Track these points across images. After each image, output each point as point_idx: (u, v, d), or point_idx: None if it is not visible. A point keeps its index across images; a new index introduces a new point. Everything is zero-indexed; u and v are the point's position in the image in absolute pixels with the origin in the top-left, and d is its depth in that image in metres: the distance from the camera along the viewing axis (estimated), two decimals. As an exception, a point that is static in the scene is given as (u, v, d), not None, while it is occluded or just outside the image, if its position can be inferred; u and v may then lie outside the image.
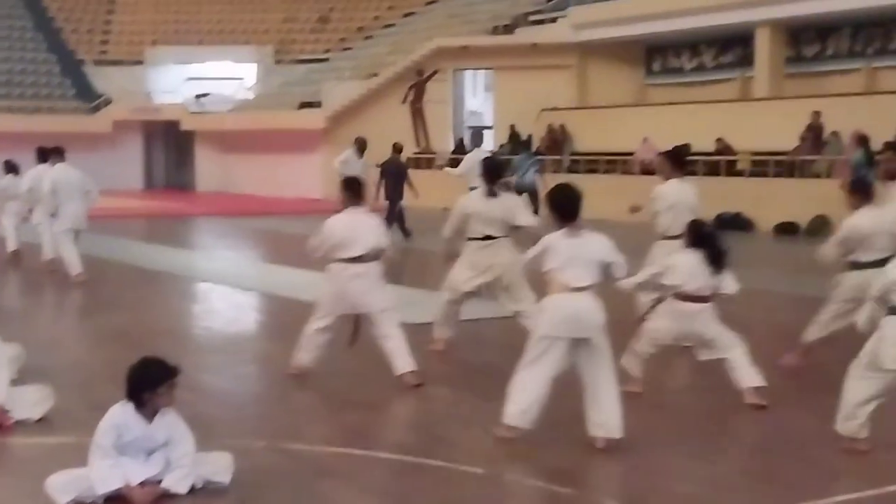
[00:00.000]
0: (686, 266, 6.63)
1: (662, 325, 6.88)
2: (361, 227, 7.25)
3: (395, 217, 18.07)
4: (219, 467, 5.17)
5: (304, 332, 7.51)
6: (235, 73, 37.99)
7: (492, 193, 7.94)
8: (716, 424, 6.64)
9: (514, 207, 8.20)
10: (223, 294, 12.44)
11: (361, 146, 18.54)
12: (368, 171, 18.48)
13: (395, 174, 18.53)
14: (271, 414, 6.95)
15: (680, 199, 8.30)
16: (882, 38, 23.90)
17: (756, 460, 5.98)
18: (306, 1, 40.54)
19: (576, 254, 5.73)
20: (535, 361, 5.80)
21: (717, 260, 6.59)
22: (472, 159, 15.58)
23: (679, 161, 8.61)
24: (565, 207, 5.82)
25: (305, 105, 33.42)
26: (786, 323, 7.87)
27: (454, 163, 21.38)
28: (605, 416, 5.79)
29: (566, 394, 5.93)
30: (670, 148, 8.70)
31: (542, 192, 19.66)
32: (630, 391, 7.02)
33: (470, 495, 5.31)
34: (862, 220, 7.25)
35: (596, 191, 17.99)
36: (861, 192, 7.37)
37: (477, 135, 19.81)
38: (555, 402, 5.93)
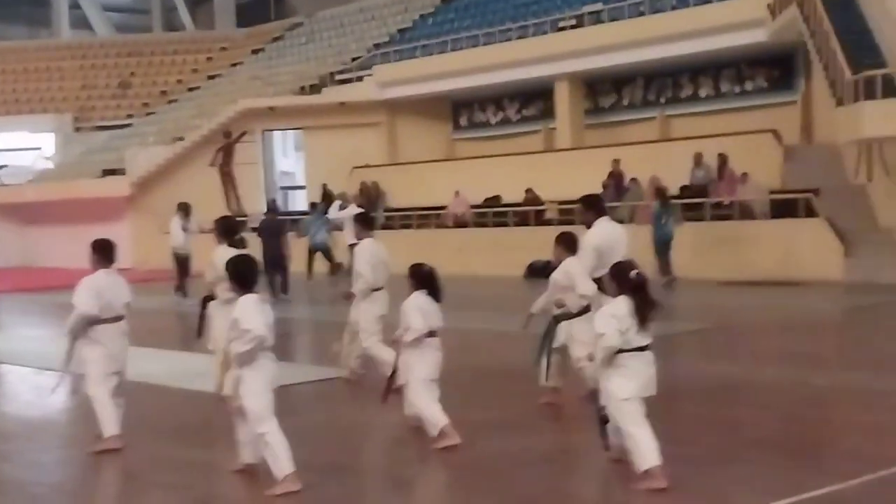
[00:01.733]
0: (420, 307, 7.14)
1: (427, 363, 7.13)
2: (118, 287, 7.58)
3: (274, 278, 17.76)
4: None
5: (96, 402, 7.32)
6: (33, 142, 36.55)
7: (233, 245, 8.95)
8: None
9: None
10: (22, 375, 11.78)
11: (186, 211, 18.20)
12: (196, 236, 18.22)
13: (270, 234, 18.18)
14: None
15: (378, 256, 9.32)
16: (673, 87, 25.18)
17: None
18: (105, 67, 39.54)
19: (269, 321, 6.15)
20: (271, 415, 6.14)
21: (436, 295, 7.23)
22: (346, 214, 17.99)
23: (367, 223, 9.74)
24: (243, 277, 6.30)
25: (109, 172, 32.43)
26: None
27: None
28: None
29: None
30: (360, 212, 10.51)
31: (334, 251, 20.56)
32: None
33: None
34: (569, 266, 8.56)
35: (411, 246, 18.18)
36: (564, 245, 8.66)
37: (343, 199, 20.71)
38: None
